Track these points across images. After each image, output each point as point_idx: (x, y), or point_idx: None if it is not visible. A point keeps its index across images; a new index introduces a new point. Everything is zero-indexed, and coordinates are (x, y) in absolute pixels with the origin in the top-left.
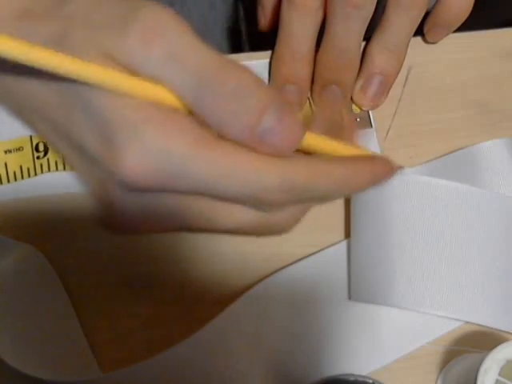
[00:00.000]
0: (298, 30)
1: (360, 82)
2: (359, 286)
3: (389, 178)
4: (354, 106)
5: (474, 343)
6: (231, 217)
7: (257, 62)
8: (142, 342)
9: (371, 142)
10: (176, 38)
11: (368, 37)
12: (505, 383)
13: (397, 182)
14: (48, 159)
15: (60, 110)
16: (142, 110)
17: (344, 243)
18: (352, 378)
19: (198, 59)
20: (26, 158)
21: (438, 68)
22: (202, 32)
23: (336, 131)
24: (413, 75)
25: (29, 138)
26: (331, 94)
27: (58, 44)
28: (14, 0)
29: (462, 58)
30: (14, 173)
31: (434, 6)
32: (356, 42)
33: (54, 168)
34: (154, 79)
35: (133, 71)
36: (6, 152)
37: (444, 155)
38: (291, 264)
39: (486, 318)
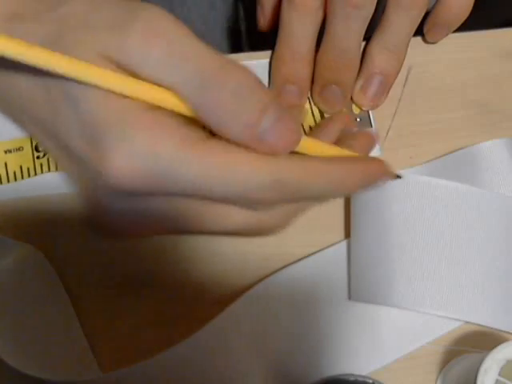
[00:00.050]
0: (298, 29)
1: (360, 82)
2: (359, 286)
3: (383, 180)
4: (353, 106)
5: (474, 343)
6: (222, 218)
7: (257, 62)
8: (141, 341)
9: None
10: (176, 38)
11: (368, 37)
12: (505, 383)
13: (397, 182)
14: (48, 159)
15: (47, 107)
16: (129, 113)
17: (344, 243)
18: (352, 378)
19: (199, 59)
20: (25, 157)
21: (438, 68)
22: (202, 32)
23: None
24: (413, 75)
25: (29, 138)
26: (331, 94)
27: (53, 45)
28: (1, 4)
29: (462, 58)
30: (14, 173)
31: (434, 6)
32: (356, 42)
33: (54, 168)
34: (154, 79)
35: (131, 72)
36: (5, 152)
37: (444, 155)
38: (291, 264)
39: (486, 317)
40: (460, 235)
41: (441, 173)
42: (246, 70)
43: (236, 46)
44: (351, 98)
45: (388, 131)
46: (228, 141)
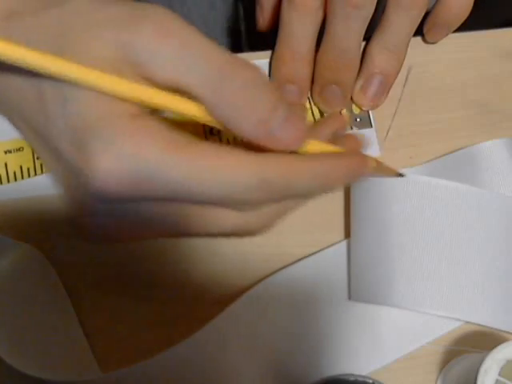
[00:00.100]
0: (298, 29)
1: (360, 82)
2: (359, 286)
3: (366, 173)
4: (353, 106)
5: (474, 343)
6: (210, 220)
7: (257, 62)
8: (142, 342)
9: (371, 142)
10: (187, 37)
11: (368, 37)
12: (505, 383)
13: (397, 182)
14: None
15: (38, 107)
16: (116, 117)
17: (344, 243)
18: (352, 378)
19: (212, 57)
20: (25, 157)
21: (438, 68)
22: (202, 32)
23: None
24: (413, 75)
25: None
26: (331, 94)
27: (55, 43)
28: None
29: (461, 58)
30: (14, 173)
31: (433, 6)
32: (356, 42)
33: None
34: (166, 77)
35: (141, 70)
36: (6, 152)
37: (444, 155)
38: (291, 264)
39: (486, 317)
40: (460, 235)
41: (441, 173)
42: (255, 67)
43: (236, 46)
44: (351, 98)
45: (388, 131)
46: (236, 140)
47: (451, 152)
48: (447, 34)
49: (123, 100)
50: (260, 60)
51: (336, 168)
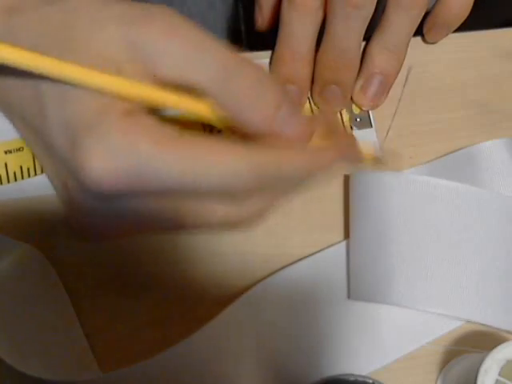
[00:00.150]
0: (298, 29)
1: (360, 82)
2: (359, 285)
3: (356, 157)
4: (353, 106)
5: (474, 343)
6: (203, 213)
7: (257, 62)
8: (141, 342)
9: (371, 142)
10: (194, 35)
11: (368, 37)
12: (505, 383)
13: (397, 182)
14: None
15: (36, 106)
16: (109, 114)
17: (344, 243)
18: (352, 378)
19: (219, 55)
20: (25, 157)
21: (438, 68)
22: None
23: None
24: (413, 75)
25: None
26: (331, 94)
27: (57, 39)
28: None
29: (461, 58)
30: (14, 173)
31: (433, 6)
32: (356, 42)
33: None
34: (174, 74)
35: (152, 64)
36: (6, 152)
37: (444, 155)
38: (291, 264)
39: (485, 317)
40: (460, 235)
41: (441, 173)
42: (259, 65)
43: (235, 46)
44: (351, 98)
45: (388, 131)
46: (241, 133)
47: (451, 152)
48: (447, 34)
49: (121, 98)
50: (260, 60)
51: (325, 150)
